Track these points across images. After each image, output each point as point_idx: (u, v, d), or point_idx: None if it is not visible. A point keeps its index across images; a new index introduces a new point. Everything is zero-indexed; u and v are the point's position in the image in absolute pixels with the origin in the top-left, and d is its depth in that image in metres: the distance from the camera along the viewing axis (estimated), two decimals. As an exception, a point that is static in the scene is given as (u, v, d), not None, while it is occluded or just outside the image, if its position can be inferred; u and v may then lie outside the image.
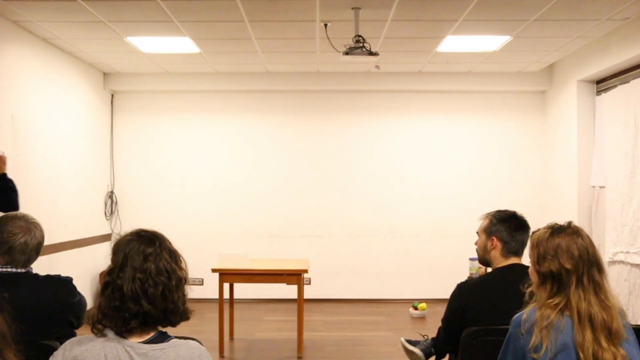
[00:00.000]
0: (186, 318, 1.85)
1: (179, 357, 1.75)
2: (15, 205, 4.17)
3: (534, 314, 1.99)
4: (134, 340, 1.76)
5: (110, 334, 1.76)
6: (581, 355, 1.90)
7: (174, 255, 1.86)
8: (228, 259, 5.52)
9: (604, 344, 1.90)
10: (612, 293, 2.01)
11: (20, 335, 2.52)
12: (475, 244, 2.99)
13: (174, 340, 1.80)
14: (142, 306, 1.74)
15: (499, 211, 2.92)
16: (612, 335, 1.92)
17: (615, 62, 5.82)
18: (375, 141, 7.95)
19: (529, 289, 2.11)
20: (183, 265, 1.88)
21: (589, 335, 1.91)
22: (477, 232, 2.98)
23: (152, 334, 1.78)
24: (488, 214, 2.95)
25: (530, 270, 2.14)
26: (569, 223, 2.10)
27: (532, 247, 2.11)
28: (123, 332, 1.75)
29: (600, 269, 2.02)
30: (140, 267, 1.78)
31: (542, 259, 2.05)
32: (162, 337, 1.79)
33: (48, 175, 6.10)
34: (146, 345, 1.75)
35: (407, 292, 7.81)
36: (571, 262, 1.99)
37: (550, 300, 1.99)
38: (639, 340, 2.03)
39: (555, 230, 2.08)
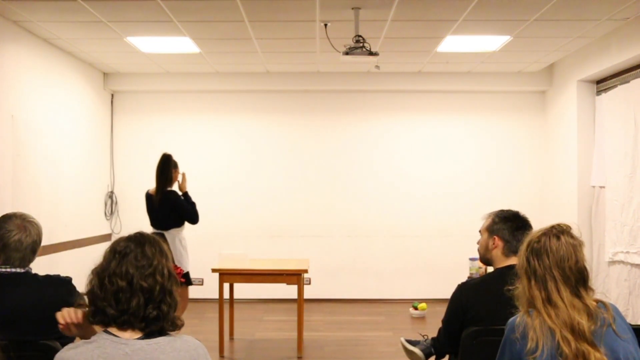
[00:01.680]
0: (176, 325, 1.85)
1: (174, 350, 1.76)
2: (195, 216, 5.48)
3: (526, 316, 2.00)
4: (128, 337, 1.77)
5: (104, 334, 1.77)
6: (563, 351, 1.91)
7: (153, 261, 1.84)
8: (228, 259, 5.52)
9: (573, 342, 1.91)
10: (582, 294, 2.01)
11: (19, 335, 2.52)
12: (478, 242, 3.00)
13: (169, 335, 1.81)
14: (111, 307, 1.76)
15: (502, 210, 2.93)
16: (578, 334, 1.92)
17: (615, 62, 5.81)
18: (375, 141, 7.95)
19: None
20: (165, 272, 1.85)
21: (563, 334, 1.93)
22: (480, 231, 2.98)
23: (146, 331, 1.79)
24: (491, 213, 2.96)
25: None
26: (558, 224, 2.11)
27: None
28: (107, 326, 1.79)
29: (567, 273, 2.02)
30: (114, 270, 1.80)
31: (519, 257, 2.10)
32: (157, 333, 1.80)
33: (48, 175, 6.10)
34: (141, 341, 1.76)
35: (407, 292, 7.81)
36: (541, 262, 2.02)
37: (525, 299, 2.03)
38: (638, 340, 2.04)
39: (544, 232, 2.10)
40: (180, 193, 5.54)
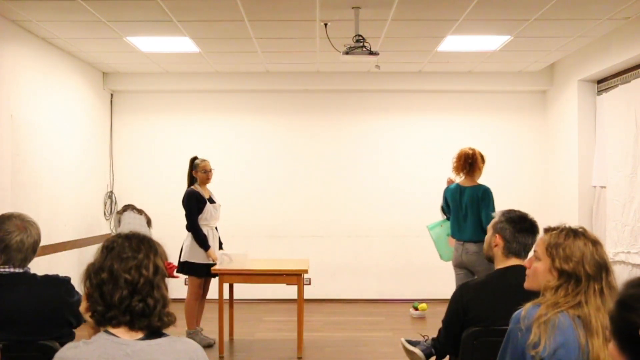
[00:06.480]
0: (164, 322, 1.82)
1: (174, 352, 1.76)
2: (187, 219, 5.68)
3: (534, 310, 1.99)
4: (129, 338, 1.76)
5: (104, 334, 1.76)
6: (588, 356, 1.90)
7: (137, 256, 1.81)
8: (228, 259, 5.50)
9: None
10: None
11: (18, 335, 2.52)
12: None
13: (170, 336, 1.81)
14: (99, 305, 1.76)
15: (511, 210, 2.91)
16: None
17: (616, 62, 5.80)
18: (375, 141, 7.94)
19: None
20: (150, 266, 1.81)
21: (597, 341, 1.92)
22: (487, 227, 2.98)
23: (146, 332, 1.78)
24: (501, 211, 2.95)
25: (545, 269, 2.11)
26: (584, 229, 2.12)
27: (552, 247, 2.08)
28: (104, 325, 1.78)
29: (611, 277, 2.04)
30: (100, 265, 1.80)
31: (566, 259, 2.04)
32: (157, 334, 1.80)
33: (47, 175, 6.09)
34: (141, 342, 1.75)
35: (407, 292, 7.79)
36: (594, 268, 2.02)
37: (564, 299, 2.00)
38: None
39: (577, 233, 2.09)
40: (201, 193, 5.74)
